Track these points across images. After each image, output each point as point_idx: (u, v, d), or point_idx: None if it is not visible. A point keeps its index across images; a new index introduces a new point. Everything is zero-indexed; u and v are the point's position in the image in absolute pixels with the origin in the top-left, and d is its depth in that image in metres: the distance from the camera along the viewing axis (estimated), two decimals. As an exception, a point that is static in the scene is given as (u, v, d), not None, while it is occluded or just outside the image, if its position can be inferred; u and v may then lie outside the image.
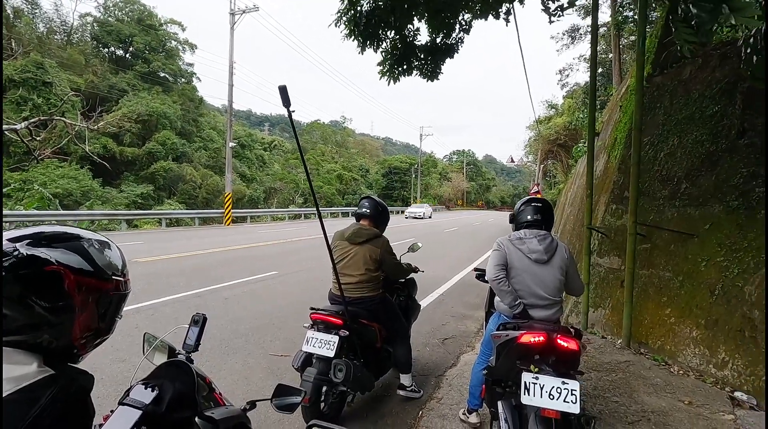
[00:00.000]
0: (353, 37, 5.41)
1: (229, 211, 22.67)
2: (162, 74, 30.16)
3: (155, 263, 9.31)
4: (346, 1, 5.21)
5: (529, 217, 2.75)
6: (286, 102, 1.97)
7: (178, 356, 1.36)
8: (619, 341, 4.55)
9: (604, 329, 4.94)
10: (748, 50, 2.88)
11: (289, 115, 2.03)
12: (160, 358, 1.41)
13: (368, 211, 3.33)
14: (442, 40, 5.67)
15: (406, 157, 63.31)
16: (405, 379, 3.48)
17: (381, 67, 5.87)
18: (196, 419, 1.13)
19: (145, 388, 1.08)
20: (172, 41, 31.71)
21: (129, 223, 18.86)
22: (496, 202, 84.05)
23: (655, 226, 4.53)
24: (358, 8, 5.22)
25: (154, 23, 30.04)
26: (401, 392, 3.48)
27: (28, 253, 0.78)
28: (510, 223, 3.00)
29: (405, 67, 5.82)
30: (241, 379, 3.80)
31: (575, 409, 2.04)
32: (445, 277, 8.75)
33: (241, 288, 7.20)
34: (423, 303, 6.37)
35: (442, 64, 5.92)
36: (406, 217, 34.45)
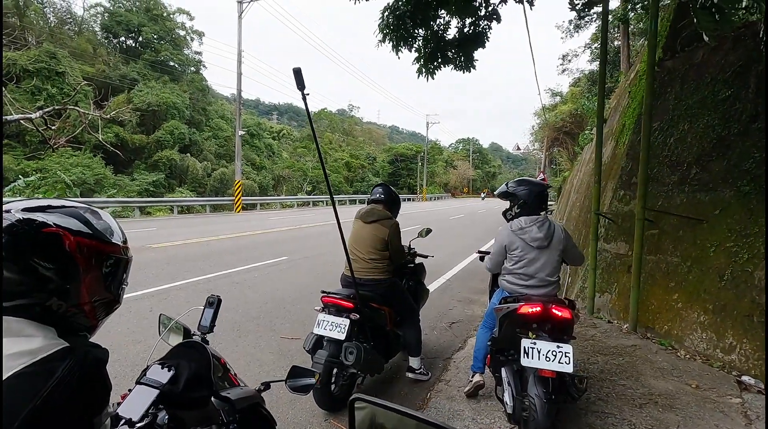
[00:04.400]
0: (388, 40, 5.49)
1: (239, 198, 22.89)
2: (171, 63, 30.20)
3: (168, 249, 9.48)
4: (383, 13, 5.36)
5: (534, 206, 2.93)
6: (301, 85, 1.95)
7: (194, 337, 1.39)
8: (625, 325, 4.57)
9: (610, 314, 4.96)
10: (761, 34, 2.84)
11: (304, 98, 2.02)
12: (176, 339, 1.44)
13: (382, 196, 3.42)
14: (470, 28, 5.66)
15: (412, 145, 62.89)
16: (414, 362, 3.55)
17: (417, 65, 5.93)
18: (212, 399, 1.17)
19: (162, 368, 1.12)
20: (180, 31, 31.67)
21: (142, 211, 19.19)
22: None
23: (663, 211, 4.52)
24: (387, 13, 5.32)
25: (162, 13, 30.01)
26: (410, 374, 3.55)
27: (24, 216, 0.78)
28: (503, 198, 3.13)
29: (439, 61, 5.87)
30: (253, 360, 3.90)
31: (569, 368, 2.30)
32: (452, 263, 8.80)
33: (251, 273, 7.32)
34: (430, 288, 6.42)
35: (474, 53, 5.91)
36: None
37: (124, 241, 0.96)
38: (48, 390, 0.66)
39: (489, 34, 5.61)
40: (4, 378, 0.65)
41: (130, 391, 1.09)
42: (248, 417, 1.26)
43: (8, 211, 0.77)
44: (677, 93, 4.83)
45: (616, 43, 19.61)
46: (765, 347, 3.26)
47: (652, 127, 4.44)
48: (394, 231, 3.27)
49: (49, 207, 0.83)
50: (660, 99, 4.97)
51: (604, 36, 5.26)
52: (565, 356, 2.32)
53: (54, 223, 0.80)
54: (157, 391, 1.05)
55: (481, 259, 3.69)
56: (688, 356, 3.89)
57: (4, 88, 17.18)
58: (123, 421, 1.00)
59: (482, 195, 53.45)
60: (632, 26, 17.25)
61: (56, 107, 18.69)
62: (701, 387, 3.34)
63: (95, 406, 0.76)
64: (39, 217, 0.79)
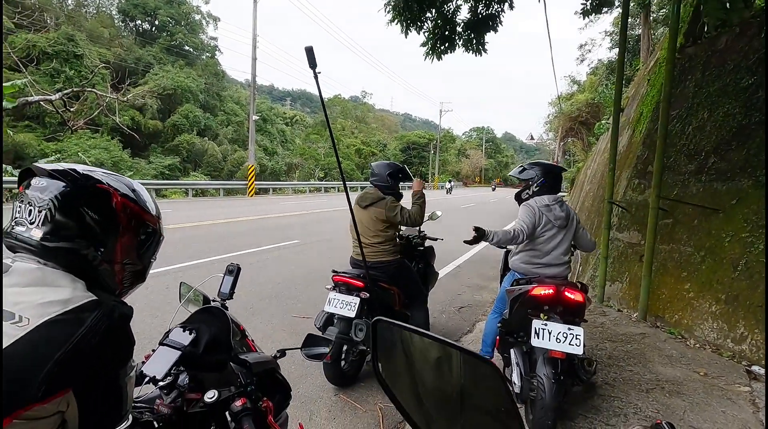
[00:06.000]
0: (397, 21, 5.48)
1: (253, 182, 23.08)
2: (186, 48, 30.27)
3: (183, 230, 9.65)
4: None
5: (553, 185, 2.98)
6: (312, 63, 1.94)
7: (213, 303, 1.45)
8: (635, 314, 4.57)
9: (620, 303, 4.96)
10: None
11: (315, 77, 2.01)
12: (195, 307, 1.51)
13: (373, 176, 3.40)
14: (482, 9, 5.59)
15: (424, 133, 62.24)
16: (422, 343, 3.60)
17: (425, 48, 5.93)
18: (231, 363, 1.22)
19: (183, 331, 1.18)
20: (195, 15, 31.66)
21: (157, 193, 19.50)
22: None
23: (678, 200, 4.47)
24: None
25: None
26: (418, 355, 3.61)
27: (85, 171, 0.88)
28: (519, 178, 3.13)
29: (447, 44, 5.85)
30: (266, 337, 4.00)
31: (579, 351, 2.33)
32: (463, 249, 8.80)
33: (264, 255, 7.44)
34: (440, 273, 6.47)
35: (485, 36, 5.85)
36: None
37: (159, 218, 1.06)
38: (78, 336, 0.72)
39: (501, 18, 5.54)
40: (40, 323, 0.71)
41: (153, 351, 1.15)
42: (265, 381, 1.32)
43: (74, 170, 0.88)
44: (698, 80, 4.73)
45: (636, 31, 19.10)
46: (765, 337, 3.25)
47: (670, 115, 4.37)
48: (390, 206, 3.23)
49: (107, 173, 0.94)
50: (680, 86, 4.87)
51: (624, 22, 5.14)
52: (576, 338, 2.34)
53: (107, 183, 0.90)
54: (179, 352, 1.11)
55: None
56: (697, 345, 3.88)
57: (12, 72, 17.41)
58: (147, 378, 1.07)
59: (448, 185, 40.95)
60: (654, 14, 16.75)
61: (74, 89, 18.95)
62: (710, 375, 3.34)
63: (121, 358, 0.82)
64: (97, 174, 0.90)
